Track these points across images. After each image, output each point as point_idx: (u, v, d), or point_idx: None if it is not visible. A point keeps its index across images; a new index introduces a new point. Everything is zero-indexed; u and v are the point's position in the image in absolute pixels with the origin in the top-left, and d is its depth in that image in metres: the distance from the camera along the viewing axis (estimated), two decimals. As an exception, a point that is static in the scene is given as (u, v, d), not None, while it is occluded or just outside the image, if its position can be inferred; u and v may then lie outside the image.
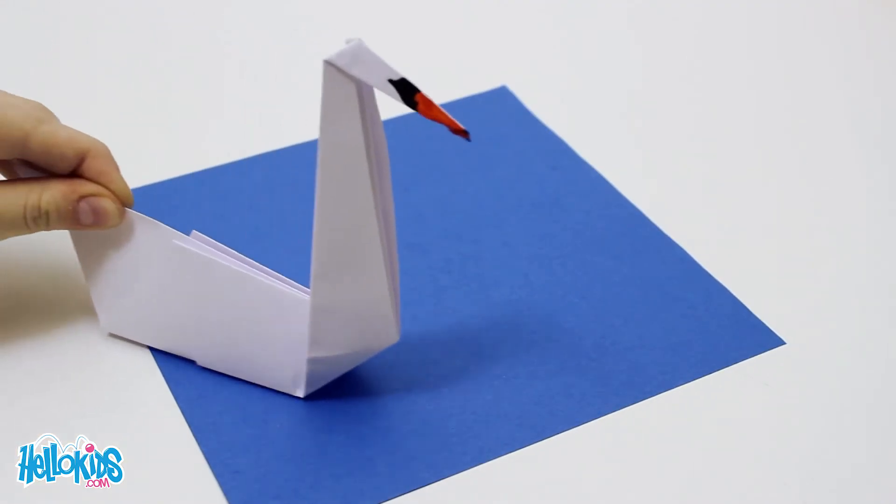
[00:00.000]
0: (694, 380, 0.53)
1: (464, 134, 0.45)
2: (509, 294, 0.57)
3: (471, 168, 0.65)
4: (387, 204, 0.48)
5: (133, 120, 0.68)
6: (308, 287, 0.50)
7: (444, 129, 0.47)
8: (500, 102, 0.70)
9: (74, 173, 0.52)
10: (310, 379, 0.51)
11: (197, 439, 0.50)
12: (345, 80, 0.44)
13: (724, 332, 0.55)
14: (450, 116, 0.45)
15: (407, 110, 0.68)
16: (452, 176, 0.64)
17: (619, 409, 0.52)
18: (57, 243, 0.57)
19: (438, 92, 0.69)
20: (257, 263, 0.52)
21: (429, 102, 0.45)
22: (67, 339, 0.54)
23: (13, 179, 0.52)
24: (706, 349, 0.54)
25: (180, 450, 0.50)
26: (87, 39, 0.76)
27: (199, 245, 0.52)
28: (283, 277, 0.51)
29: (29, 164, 0.52)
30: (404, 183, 0.64)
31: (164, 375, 0.53)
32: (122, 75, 0.73)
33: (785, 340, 0.55)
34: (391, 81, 0.45)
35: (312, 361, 0.50)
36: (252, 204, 0.62)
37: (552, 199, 0.63)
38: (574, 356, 0.54)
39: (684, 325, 0.56)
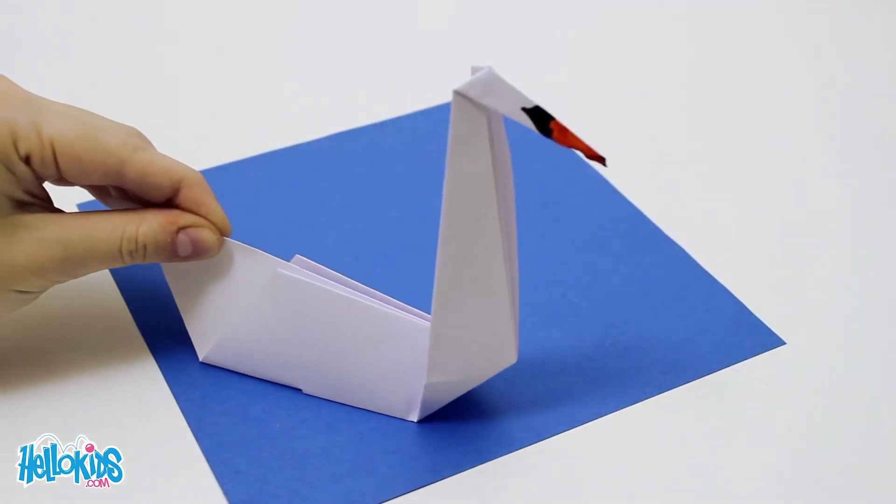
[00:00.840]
0: (694, 380, 0.53)
1: (601, 160, 0.43)
2: (509, 294, 0.57)
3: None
4: (510, 226, 0.47)
5: (133, 120, 0.68)
6: (411, 305, 0.49)
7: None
8: (500, 102, 0.70)
9: (169, 203, 0.50)
10: (425, 404, 0.50)
11: (197, 439, 0.50)
12: (475, 111, 0.43)
13: (724, 332, 0.55)
14: (586, 143, 0.43)
15: (404, 110, 0.68)
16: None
17: (619, 409, 0.52)
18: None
19: (438, 93, 0.69)
20: (361, 285, 0.50)
21: (564, 129, 0.43)
22: (66, 339, 0.54)
23: (107, 210, 0.50)
24: (706, 349, 0.54)
25: (180, 450, 0.50)
26: (87, 38, 0.76)
27: (303, 272, 0.50)
28: (390, 298, 0.50)
29: (121, 191, 0.51)
30: (405, 184, 0.64)
31: (164, 375, 0.53)
32: (122, 75, 0.73)
33: (785, 340, 0.55)
34: (524, 109, 0.43)
35: (430, 387, 0.49)
36: (252, 204, 0.62)
37: (552, 199, 0.63)
38: (574, 356, 0.54)
39: (684, 325, 0.56)
